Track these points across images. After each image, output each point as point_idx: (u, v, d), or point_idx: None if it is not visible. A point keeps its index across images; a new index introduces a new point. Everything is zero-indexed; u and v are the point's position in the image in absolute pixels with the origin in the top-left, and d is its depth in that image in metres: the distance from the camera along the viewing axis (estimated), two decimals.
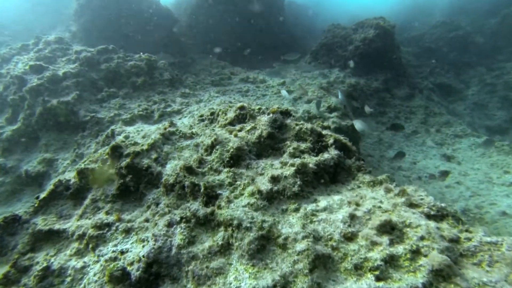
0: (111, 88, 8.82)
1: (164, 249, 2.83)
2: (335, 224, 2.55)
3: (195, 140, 4.39)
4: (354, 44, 13.28)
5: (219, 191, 3.15)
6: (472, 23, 17.97)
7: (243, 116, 4.44)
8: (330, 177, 3.33)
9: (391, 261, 2.16)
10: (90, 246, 3.29)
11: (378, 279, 2.07)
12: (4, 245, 3.58)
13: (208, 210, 3.00)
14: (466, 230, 2.31)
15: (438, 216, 2.49)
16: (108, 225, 3.44)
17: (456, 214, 2.49)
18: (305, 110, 7.34)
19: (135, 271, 2.75)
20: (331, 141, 3.59)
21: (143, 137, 4.96)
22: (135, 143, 4.51)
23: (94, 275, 2.95)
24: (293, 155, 3.47)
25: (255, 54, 15.66)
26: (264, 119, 3.91)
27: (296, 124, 3.85)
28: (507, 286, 1.84)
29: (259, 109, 4.50)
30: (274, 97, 9.09)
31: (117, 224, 3.44)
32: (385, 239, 2.29)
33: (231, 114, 4.53)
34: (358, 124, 6.30)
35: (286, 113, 4.16)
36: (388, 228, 2.38)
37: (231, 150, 3.56)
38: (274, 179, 3.06)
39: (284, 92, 8.29)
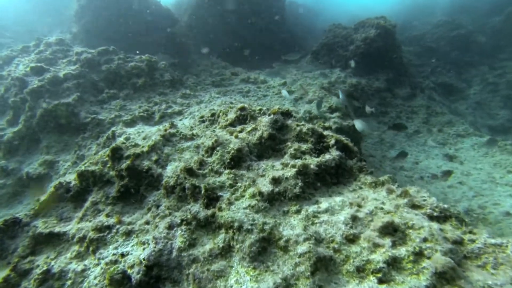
0: (112, 89, 8.81)
1: (165, 251, 2.81)
2: (337, 225, 2.53)
3: (195, 141, 4.37)
4: (355, 43, 13.24)
5: (220, 193, 3.13)
6: (473, 22, 17.90)
7: (243, 117, 4.42)
8: (332, 178, 3.31)
9: (393, 263, 2.13)
10: (91, 249, 3.27)
11: (380, 281, 2.05)
12: (4, 248, 3.57)
13: (209, 212, 2.98)
14: (470, 232, 2.28)
15: (441, 217, 2.46)
16: (109, 228, 3.43)
17: (460, 215, 2.47)
18: (307, 111, 7.31)
19: (135, 274, 2.74)
20: (332, 141, 3.56)
21: (144, 138, 4.95)
22: (136, 145, 4.50)
23: (95, 278, 2.93)
24: (294, 156, 3.45)
25: (256, 54, 15.64)
26: (265, 120, 3.88)
27: (297, 125, 3.82)
28: None
29: (260, 110, 4.48)
30: (275, 97, 9.07)
31: (117, 226, 3.42)
32: (387, 241, 2.27)
33: (231, 115, 4.51)
34: (358, 124, 6.27)
35: (287, 114, 4.13)
36: (391, 230, 2.35)
37: (232, 151, 3.54)
38: (275, 181, 3.04)
39: (284, 92, 8.27)
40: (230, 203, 2.97)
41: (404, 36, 18.13)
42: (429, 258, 2.06)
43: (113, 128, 6.25)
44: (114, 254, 3.07)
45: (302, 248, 2.36)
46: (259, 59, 15.46)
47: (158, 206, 3.52)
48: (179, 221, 3.03)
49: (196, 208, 3.07)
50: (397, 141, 10.47)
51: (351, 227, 2.48)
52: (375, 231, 2.37)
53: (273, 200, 2.92)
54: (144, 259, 2.78)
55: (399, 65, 13.96)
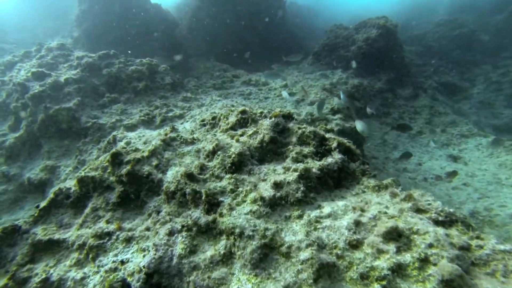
0: (113, 93, 8.80)
1: (165, 259, 2.77)
2: (340, 231, 2.48)
3: (196, 145, 4.33)
4: (357, 44, 13.17)
5: (221, 198, 3.09)
6: (476, 20, 17.77)
7: (244, 121, 4.37)
8: (334, 181, 3.25)
9: (398, 270, 2.08)
10: (90, 256, 3.23)
11: None
12: (3, 256, 3.53)
13: (210, 218, 2.93)
14: (477, 237, 2.21)
15: (447, 222, 2.40)
16: (109, 234, 3.39)
17: (466, 219, 2.40)
18: (308, 113, 7.25)
19: (135, 282, 2.69)
20: (334, 144, 3.51)
21: (145, 143, 4.91)
22: (136, 149, 4.46)
23: (94, 286, 2.89)
24: (296, 160, 3.40)
25: (256, 56, 15.60)
26: (266, 123, 3.84)
27: (299, 128, 3.77)
28: None
29: (261, 113, 4.43)
30: (277, 99, 9.02)
31: (117, 233, 3.38)
32: (391, 247, 2.21)
33: (232, 119, 4.47)
34: (358, 125, 6.22)
35: (288, 117, 4.08)
36: (395, 235, 2.30)
37: (233, 155, 3.50)
38: (277, 185, 2.99)
39: (285, 94, 8.21)
40: (231, 209, 2.92)
41: (405, 36, 18.05)
42: (435, 264, 2.00)
43: (114, 133, 6.21)
44: (114, 262, 3.02)
45: (304, 254, 2.30)
46: (259, 61, 15.42)
47: (158, 212, 3.48)
48: (180, 227, 2.99)
49: (197, 214, 3.02)
50: (400, 142, 10.39)
51: (354, 233, 2.43)
52: (379, 237, 2.31)
53: (274, 205, 2.87)
54: (144, 266, 2.73)
55: (401, 65, 13.88)
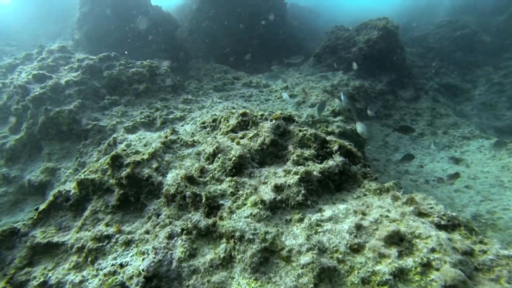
0: (113, 95, 8.80)
1: (165, 262, 2.74)
2: (341, 234, 2.45)
3: (196, 148, 4.31)
4: (358, 45, 13.15)
5: (221, 201, 3.06)
6: (477, 21, 17.72)
7: (245, 123, 4.35)
8: (335, 184, 3.22)
9: (400, 274, 2.04)
10: (89, 259, 3.21)
11: None
12: (1, 259, 3.50)
13: (210, 221, 2.91)
14: (481, 242, 2.18)
15: (449, 226, 2.36)
16: (108, 237, 3.37)
17: (469, 223, 2.36)
18: (309, 115, 7.23)
19: (134, 286, 2.67)
20: (335, 147, 3.48)
21: (145, 145, 4.89)
22: (137, 152, 4.44)
23: None
24: (296, 163, 3.37)
25: (256, 57, 15.60)
26: (266, 125, 3.81)
27: (300, 130, 3.75)
28: None
29: (262, 115, 4.41)
30: (278, 101, 9.00)
31: (117, 236, 3.36)
32: (393, 251, 2.18)
33: (233, 121, 4.45)
34: (358, 127, 6.20)
35: (289, 119, 4.06)
36: (397, 239, 2.26)
37: (233, 158, 3.48)
38: (278, 188, 2.96)
39: (285, 95, 8.19)
40: (231, 212, 2.89)
41: (406, 37, 18.01)
42: (437, 270, 1.97)
43: (114, 135, 6.20)
44: (113, 265, 3.00)
45: (305, 258, 2.28)
46: (260, 62, 15.42)
47: (158, 215, 3.45)
48: (180, 230, 2.97)
49: (197, 217, 3.00)
50: (402, 144, 10.34)
51: (356, 236, 2.40)
52: (381, 241, 2.28)
53: (275, 209, 2.84)
54: (143, 270, 2.71)
55: (402, 66, 13.84)
